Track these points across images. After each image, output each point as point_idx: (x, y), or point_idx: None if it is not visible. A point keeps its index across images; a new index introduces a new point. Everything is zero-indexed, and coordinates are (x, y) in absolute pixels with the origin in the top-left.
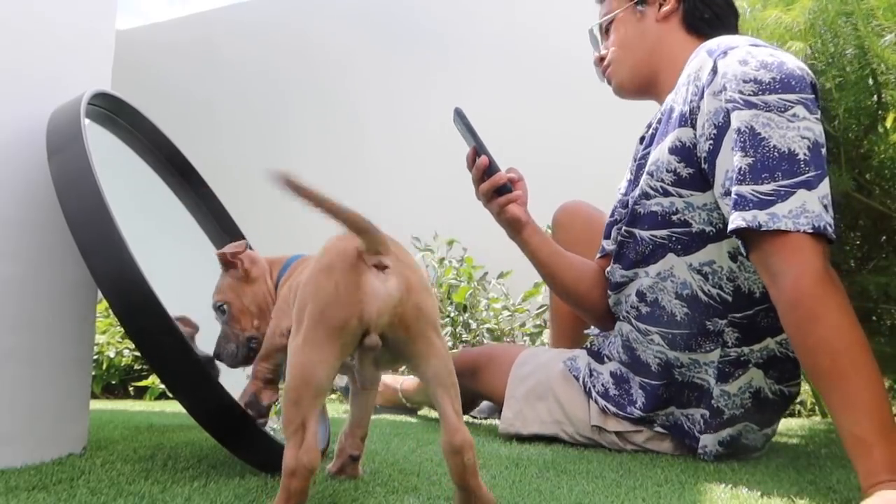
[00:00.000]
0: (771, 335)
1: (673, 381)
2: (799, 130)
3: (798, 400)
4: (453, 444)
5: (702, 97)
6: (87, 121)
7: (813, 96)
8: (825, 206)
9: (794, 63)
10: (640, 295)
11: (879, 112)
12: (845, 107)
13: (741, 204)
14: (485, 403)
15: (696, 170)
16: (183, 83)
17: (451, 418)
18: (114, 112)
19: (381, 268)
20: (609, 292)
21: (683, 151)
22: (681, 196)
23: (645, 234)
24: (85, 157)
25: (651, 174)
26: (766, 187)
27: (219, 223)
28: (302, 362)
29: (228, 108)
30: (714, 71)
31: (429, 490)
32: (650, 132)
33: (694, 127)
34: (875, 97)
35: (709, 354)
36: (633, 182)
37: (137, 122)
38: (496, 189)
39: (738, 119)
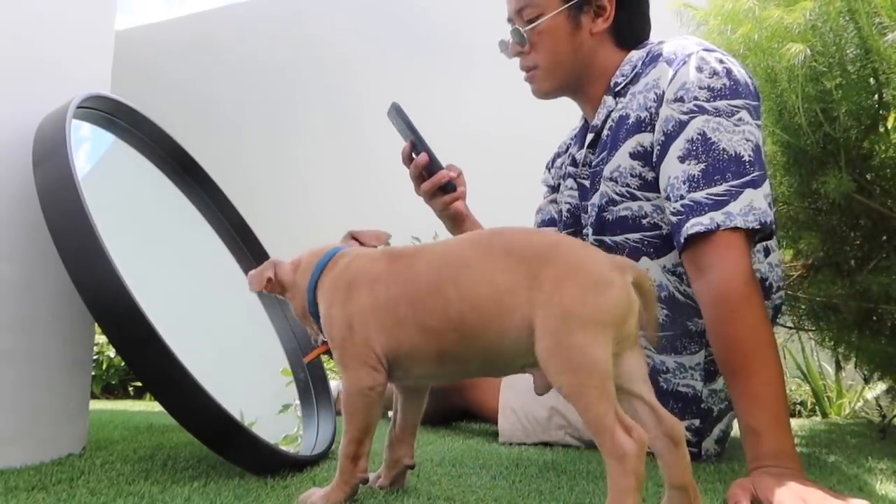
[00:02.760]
0: None
1: (657, 390)
2: (744, 134)
3: (798, 401)
4: (675, 435)
5: (660, 104)
6: (86, 124)
7: (756, 103)
8: (769, 203)
9: (739, 70)
10: None
11: (880, 112)
12: (846, 108)
13: (697, 210)
14: None
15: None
16: (183, 83)
17: (662, 410)
18: (111, 113)
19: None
20: None
21: (645, 156)
22: (648, 199)
23: (618, 238)
24: (68, 168)
25: (615, 180)
26: (720, 188)
27: (224, 216)
28: (601, 359)
29: (229, 108)
30: (672, 79)
31: (429, 490)
32: (603, 138)
33: (653, 132)
34: (876, 97)
35: (694, 356)
36: (591, 189)
37: (136, 122)
38: (440, 187)
39: (692, 127)
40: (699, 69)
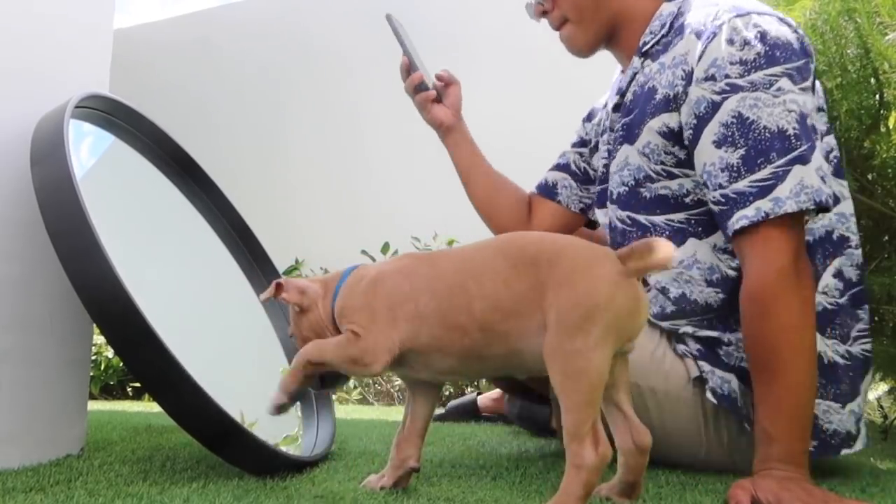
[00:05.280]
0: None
1: (719, 365)
2: (785, 105)
3: None
4: (643, 445)
5: (689, 83)
6: (85, 124)
7: (801, 62)
8: (822, 178)
9: (777, 29)
10: (664, 291)
11: (881, 112)
12: (847, 107)
13: (741, 201)
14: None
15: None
16: (180, 82)
17: (637, 420)
18: (111, 113)
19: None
20: None
21: (674, 136)
22: (687, 175)
23: (658, 219)
24: (66, 167)
25: (647, 156)
26: (764, 172)
27: (224, 216)
28: (599, 366)
29: (226, 108)
30: (702, 55)
31: (428, 491)
32: (626, 102)
33: (680, 112)
34: (877, 97)
35: None
36: (613, 153)
37: (136, 122)
38: (416, 87)
39: (726, 108)
40: (730, 41)
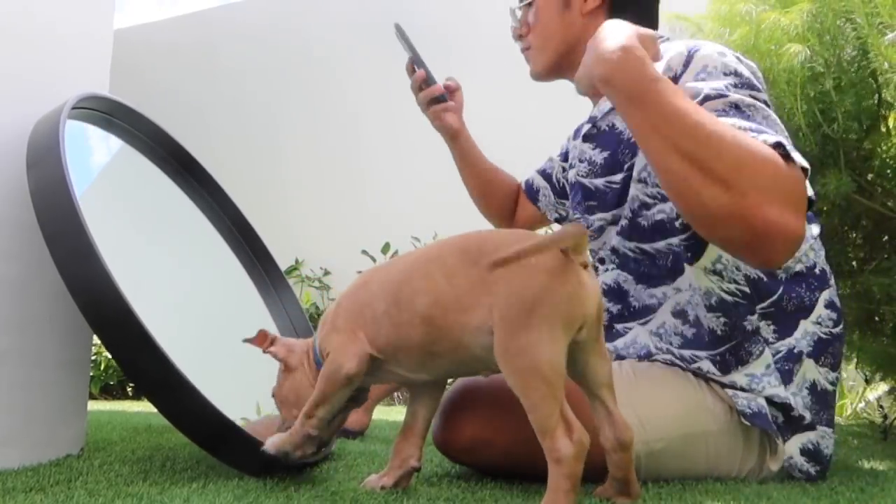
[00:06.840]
0: (803, 317)
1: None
2: (775, 120)
3: None
4: (624, 441)
5: (676, 82)
6: (85, 125)
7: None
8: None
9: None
10: (681, 315)
11: (881, 112)
12: (844, 108)
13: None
14: None
15: None
16: (178, 83)
17: (619, 416)
18: (110, 113)
19: (584, 266)
20: (632, 323)
21: None
22: None
23: (660, 244)
24: (61, 170)
25: (644, 181)
26: (748, 123)
27: (225, 214)
28: (551, 359)
29: (225, 108)
30: (690, 59)
31: (428, 491)
32: (604, 133)
33: None
34: (876, 97)
35: (762, 359)
36: (592, 183)
37: (136, 122)
38: (433, 98)
39: (727, 100)
40: (722, 53)
